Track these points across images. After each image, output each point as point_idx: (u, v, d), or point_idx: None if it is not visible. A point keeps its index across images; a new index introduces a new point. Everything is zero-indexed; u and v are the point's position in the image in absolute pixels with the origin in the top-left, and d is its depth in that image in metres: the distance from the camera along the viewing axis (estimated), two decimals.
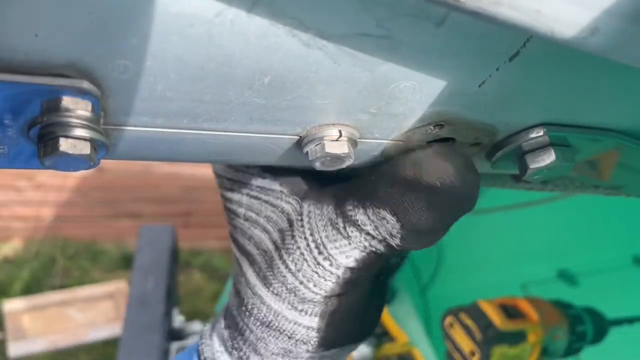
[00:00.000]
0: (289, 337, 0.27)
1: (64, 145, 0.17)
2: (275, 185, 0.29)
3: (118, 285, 2.21)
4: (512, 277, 1.04)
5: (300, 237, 0.26)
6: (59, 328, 2.01)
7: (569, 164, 0.24)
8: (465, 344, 0.65)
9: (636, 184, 0.30)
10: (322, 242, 0.26)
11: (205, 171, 2.49)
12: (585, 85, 0.22)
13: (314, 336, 0.27)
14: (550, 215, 0.96)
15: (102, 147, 0.18)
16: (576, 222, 0.94)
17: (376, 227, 0.24)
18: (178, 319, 1.25)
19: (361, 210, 0.24)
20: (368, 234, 0.24)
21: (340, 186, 0.26)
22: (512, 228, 1.09)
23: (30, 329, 1.98)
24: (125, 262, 2.33)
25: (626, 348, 0.76)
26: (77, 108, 0.17)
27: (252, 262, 0.29)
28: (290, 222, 0.27)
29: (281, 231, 0.27)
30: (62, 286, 2.24)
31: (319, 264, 0.26)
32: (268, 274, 0.27)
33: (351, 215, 0.25)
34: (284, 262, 0.27)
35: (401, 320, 1.10)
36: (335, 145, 0.21)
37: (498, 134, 0.24)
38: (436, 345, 1.08)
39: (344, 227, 0.25)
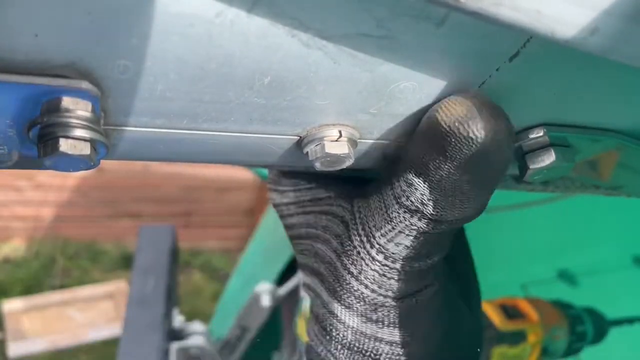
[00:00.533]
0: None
1: (64, 145, 0.17)
2: (322, 193, 0.28)
3: (118, 285, 2.21)
4: (512, 277, 1.04)
5: (355, 234, 0.25)
6: (59, 328, 2.01)
7: (569, 164, 0.24)
8: None
9: (636, 184, 0.30)
10: (372, 233, 0.24)
11: (205, 171, 2.49)
12: (585, 85, 0.22)
13: (400, 354, 0.25)
14: (550, 215, 0.96)
15: (102, 148, 0.18)
16: (576, 222, 0.94)
17: (408, 197, 0.22)
18: (178, 319, 1.25)
19: (396, 183, 0.23)
20: (405, 209, 0.23)
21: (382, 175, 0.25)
22: (512, 228, 1.09)
23: (30, 329, 1.98)
24: (125, 262, 2.33)
25: (626, 348, 0.76)
26: (77, 108, 0.17)
27: (322, 279, 0.27)
28: (346, 224, 0.26)
29: (338, 236, 0.26)
30: (62, 286, 2.24)
31: (374, 259, 0.24)
32: (336, 286, 0.26)
33: (390, 193, 0.23)
34: (345, 267, 0.25)
35: None
36: (335, 146, 0.21)
37: None
38: None
39: (386, 210, 0.23)
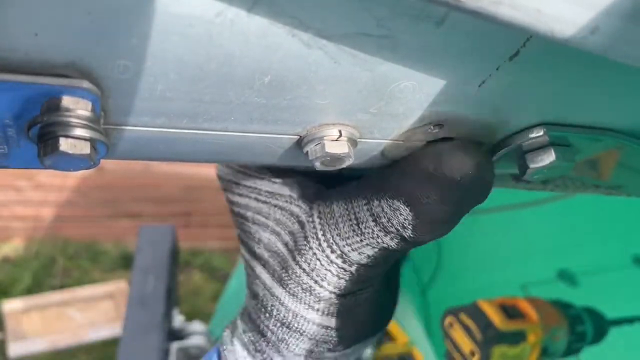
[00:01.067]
0: (310, 338, 0.28)
1: (64, 145, 0.17)
2: (284, 191, 0.29)
3: (118, 285, 2.21)
4: (512, 277, 1.04)
5: (313, 237, 0.27)
6: (59, 328, 2.01)
7: (569, 164, 0.24)
8: (465, 344, 0.65)
9: (636, 184, 0.30)
10: (335, 241, 0.26)
11: (205, 171, 2.49)
12: (585, 84, 0.22)
13: (333, 335, 0.28)
14: (550, 215, 0.96)
15: (102, 147, 0.18)
16: (576, 222, 0.94)
17: (389, 219, 0.24)
18: (178, 319, 1.25)
19: (376, 202, 0.24)
20: (382, 227, 0.24)
21: (350, 185, 0.27)
22: (512, 228, 1.09)
23: (30, 329, 1.98)
24: (125, 262, 2.32)
25: (626, 348, 0.76)
26: (77, 108, 0.17)
27: (265, 264, 0.29)
28: (302, 224, 0.28)
29: (292, 233, 0.28)
30: (62, 286, 2.24)
31: (332, 262, 0.26)
32: (283, 275, 0.28)
33: (366, 209, 0.25)
34: (297, 262, 0.27)
35: (401, 320, 1.10)
36: (335, 145, 0.21)
37: (498, 133, 0.24)
38: (436, 345, 1.08)
39: (357, 224, 0.25)
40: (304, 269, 0.27)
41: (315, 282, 0.27)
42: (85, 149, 0.17)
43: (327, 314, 0.27)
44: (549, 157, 0.23)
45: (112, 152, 0.21)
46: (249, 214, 0.30)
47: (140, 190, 2.49)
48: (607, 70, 0.21)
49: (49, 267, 2.33)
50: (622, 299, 0.81)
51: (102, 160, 0.20)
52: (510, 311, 0.67)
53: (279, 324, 0.28)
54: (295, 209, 0.28)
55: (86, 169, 0.18)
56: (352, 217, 0.25)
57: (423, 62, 0.19)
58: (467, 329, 0.66)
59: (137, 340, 1.08)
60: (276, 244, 0.28)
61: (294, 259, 0.27)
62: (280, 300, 0.28)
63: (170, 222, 1.88)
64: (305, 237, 0.27)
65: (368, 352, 0.98)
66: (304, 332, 0.28)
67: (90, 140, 0.17)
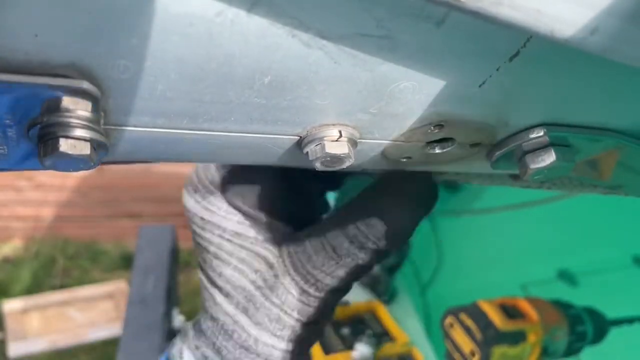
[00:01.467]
0: (265, 359, 0.30)
1: (64, 145, 0.17)
2: (250, 233, 0.31)
3: (118, 285, 2.21)
4: (512, 277, 1.04)
5: (285, 275, 0.29)
6: (59, 328, 2.01)
7: (569, 164, 0.24)
8: (465, 344, 0.65)
9: (636, 184, 0.30)
10: (309, 272, 0.28)
11: None
12: (585, 85, 0.22)
13: (287, 357, 0.30)
14: (550, 215, 0.96)
15: (102, 148, 0.18)
16: (576, 222, 0.94)
17: (366, 235, 0.28)
18: (178, 319, 1.25)
19: (351, 226, 0.28)
20: (358, 244, 0.28)
21: (318, 225, 0.30)
22: (512, 228, 1.09)
23: (30, 329, 1.98)
24: (125, 262, 2.33)
25: (626, 348, 0.76)
26: (77, 108, 0.17)
27: (227, 295, 0.30)
28: (270, 265, 0.30)
29: (258, 272, 0.30)
30: (62, 286, 2.24)
31: (304, 291, 0.29)
32: (249, 306, 0.30)
33: (342, 235, 0.28)
34: (267, 298, 0.29)
35: (401, 320, 1.10)
36: (336, 146, 0.21)
37: (498, 134, 0.24)
38: (436, 345, 1.08)
39: (333, 250, 0.28)
40: (274, 302, 0.29)
41: (285, 312, 0.29)
42: (85, 149, 0.17)
43: (288, 340, 0.29)
44: (549, 158, 0.23)
45: (112, 153, 0.21)
46: (212, 248, 0.32)
47: (140, 190, 2.50)
48: (607, 71, 0.21)
49: (49, 267, 2.33)
50: (622, 299, 0.81)
51: None
52: (510, 311, 0.67)
53: (238, 346, 0.30)
54: (262, 251, 0.30)
55: (86, 169, 0.18)
56: (328, 247, 0.28)
57: (423, 62, 0.19)
58: (467, 329, 0.66)
59: (137, 340, 1.08)
60: (240, 280, 0.30)
61: (264, 294, 0.29)
62: (243, 327, 0.29)
63: (170, 222, 1.88)
64: (276, 276, 0.29)
65: (368, 352, 0.98)
66: (261, 354, 0.29)
67: (90, 140, 0.17)
